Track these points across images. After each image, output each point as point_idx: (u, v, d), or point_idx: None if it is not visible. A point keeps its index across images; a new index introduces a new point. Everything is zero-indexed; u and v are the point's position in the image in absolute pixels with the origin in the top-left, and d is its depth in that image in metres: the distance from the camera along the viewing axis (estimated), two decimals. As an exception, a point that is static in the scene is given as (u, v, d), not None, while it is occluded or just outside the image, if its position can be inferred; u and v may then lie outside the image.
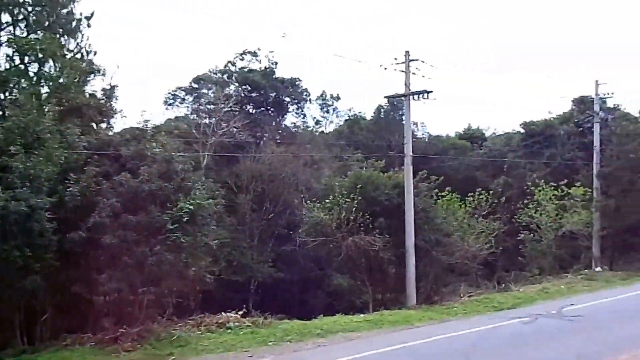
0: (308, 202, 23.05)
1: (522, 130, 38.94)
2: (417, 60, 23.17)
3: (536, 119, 38.67)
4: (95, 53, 21.99)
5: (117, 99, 21.98)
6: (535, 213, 28.38)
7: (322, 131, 45.46)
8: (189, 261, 15.12)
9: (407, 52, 23.44)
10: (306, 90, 40.28)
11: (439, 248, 23.61)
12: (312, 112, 43.46)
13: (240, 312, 16.94)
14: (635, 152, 27.95)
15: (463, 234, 25.49)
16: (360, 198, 22.17)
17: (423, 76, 23.45)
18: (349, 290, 25.35)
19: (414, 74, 23.56)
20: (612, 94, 30.14)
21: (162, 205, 14.50)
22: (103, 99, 21.15)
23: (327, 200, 22.17)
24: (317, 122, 44.22)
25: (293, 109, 40.02)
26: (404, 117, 44.20)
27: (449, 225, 25.30)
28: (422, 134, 47.44)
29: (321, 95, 42.58)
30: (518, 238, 29.44)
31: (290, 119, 40.35)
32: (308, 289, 29.98)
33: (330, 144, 43.02)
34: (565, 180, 29.56)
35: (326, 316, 18.37)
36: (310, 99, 41.57)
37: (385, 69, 22.50)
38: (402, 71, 23.33)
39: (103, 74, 21.33)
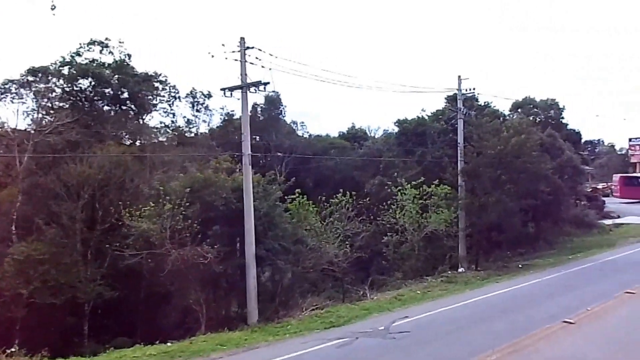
0: (130, 209, 19.91)
1: (397, 129, 38.09)
2: (252, 48, 20.84)
3: (411, 116, 38.03)
4: None
5: None
6: (398, 214, 27.13)
7: (197, 132, 42.22)
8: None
9: (242, 39, 20.98)
10: (174, 87, 37.03)
11: (285, 256, 21.44)
12: (182, 111, 40.08)
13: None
14: (494, 148, 27.44)
15: (318, 239, 23.56)
16: (193, 203, 19.68)
17: (263, 66, 21.23)
18: (184, 310, 22.51)
19: (252, 63, 21.24)
20: (474, 89, 29.65)
21: None
22: None
23: (146, 208, 19.19)
24: (190, 122, 40.79)
25: (162, 108, 36.74)
26: (283, 114, 42.57)
27: (301, 230, 23.33)
28: (302, 133, 45.67)
29: (191, 93, 39.21)
30: (382, 241, 28.08)
31: (158, 118, 36.96)
32: (156, 307, 26.70)
33: (201, 144, 40.11)
34: (437, 180, 28.89)
35: (171, 337, 16.55)
36: (179, 97, 38.38)
37: (213, 56, 19.87)
38: (237, 60, 20.91)
39: None
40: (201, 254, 19.01)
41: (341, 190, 25.83)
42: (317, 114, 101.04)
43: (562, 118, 42.69)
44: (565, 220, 39.03)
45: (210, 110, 40.17)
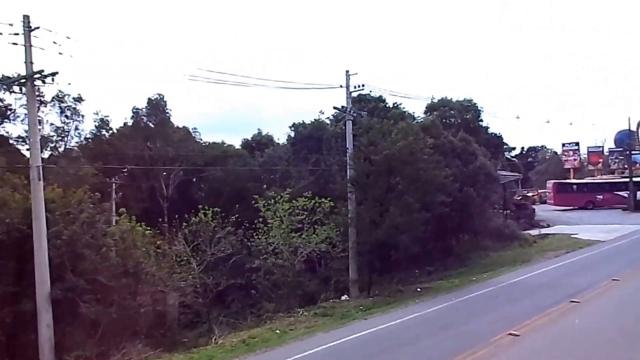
0: None
1: (292, 134, 33.71)
2: (38, 28, 16.06)
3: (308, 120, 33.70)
4: None
5: None
6: (266, 234, 22.55)
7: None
8: None
9: (25, 17, 16.17)
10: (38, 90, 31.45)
11: (90, 296, 16.51)
12: (50, 118, 34.38)
13: None
14: (381, 152, 23.28)
15: (161, 269, 18.82)
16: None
17: (59, 53, 16.41)
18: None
19: (42, 48, 16.39)
20: (362, 86, 25.39)
21: None
22: None
23: None
24: (60, 131, 35.12)
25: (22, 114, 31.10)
26: (169, 117, 37.43)
27: (132, 260, 18.48)
28: (198, 140, 40.56)
29: (57, 96, 33.63)
30: (254, 265, 23.42)
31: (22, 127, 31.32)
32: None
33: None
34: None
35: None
36: (44, 102, 32.88)
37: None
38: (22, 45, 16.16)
39: None
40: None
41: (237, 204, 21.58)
42: (224, 119, 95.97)
43: (481, 120, 39.27)
44: (484, 233, 35.47)
45: (82, 116, 34.64)
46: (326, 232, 23.37)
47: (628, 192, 54.33)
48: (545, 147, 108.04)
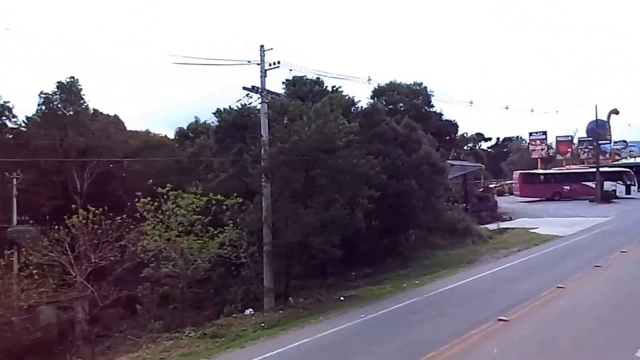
0: None
1: (216, 121, 30.06)
2: None
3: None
4: None
5: None
6: (154, 238, 18.96)
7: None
8: None
9: None
10: None
11: None
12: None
13: None
14: (288, 140, 19.87)
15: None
16: None
17: None
18: None
19: None
20: (278, 62, 21.80)
21: None
22: None
23: None
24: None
25: None
26: (83, 106, 33.48)
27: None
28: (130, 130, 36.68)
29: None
30: (141, 275, 19.86)
31: None
32: None
33: None
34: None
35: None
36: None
37: None
38: None
39: None
40: None
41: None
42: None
43: (432, 106, 35.92)
44: (437, 229, 32.33)
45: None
46: (227, 235, 19.85)
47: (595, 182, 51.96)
48: (521, 137, 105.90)
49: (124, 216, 19.36)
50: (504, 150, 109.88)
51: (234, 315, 19.24)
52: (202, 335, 16.81)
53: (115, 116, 38.05)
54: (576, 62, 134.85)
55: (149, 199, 19.01)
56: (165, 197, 19.42)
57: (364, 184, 21.63)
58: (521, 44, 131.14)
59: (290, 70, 23.38)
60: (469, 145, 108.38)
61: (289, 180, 21.07)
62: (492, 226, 38.10)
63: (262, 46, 22.14)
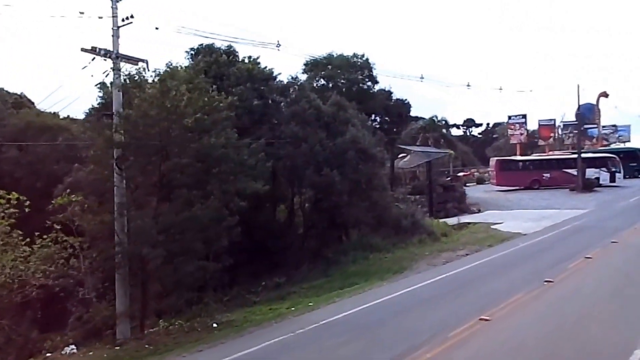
0: None
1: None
2: None
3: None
4: None
5: None
6: None
7: None
8: None
9: None
10: None
11: None
12: None
13: None
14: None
15: None
16: None
17: None
18: None
19: None
20: (132, 17, 16.56)
21: None
22: None
23: None
24: None
25: None
26: None
27: None
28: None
29: None
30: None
31: None
32: None
33: None
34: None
35: None
36: None
37: None
38: None
39: None
40: None
41: None
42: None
43: (376, 82, 30.62)
44: (374, 226, 27.36)
45: None
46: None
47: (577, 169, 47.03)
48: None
49: None
50: (494, 136, 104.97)
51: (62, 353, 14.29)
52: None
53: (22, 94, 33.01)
54: (576, 62, 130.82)
55: None
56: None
57: (247, 177, 16.60)
58: (521, 44, 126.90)
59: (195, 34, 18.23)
60: (459, 128, 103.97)
61: (143, 173, 16.06)
62: (453, 220, 33.27)
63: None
